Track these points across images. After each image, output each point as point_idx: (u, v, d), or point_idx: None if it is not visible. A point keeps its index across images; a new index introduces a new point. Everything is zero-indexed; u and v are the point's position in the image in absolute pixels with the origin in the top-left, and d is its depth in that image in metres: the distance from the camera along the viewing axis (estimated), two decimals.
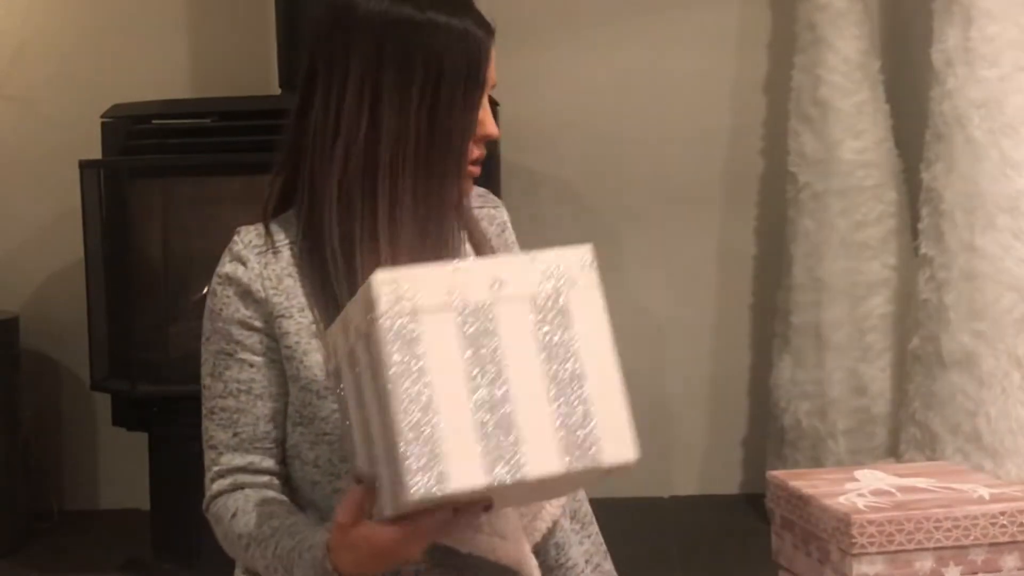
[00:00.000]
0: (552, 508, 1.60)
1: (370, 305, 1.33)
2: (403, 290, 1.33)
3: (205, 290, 1.64)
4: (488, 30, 1.57)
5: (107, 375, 3.50)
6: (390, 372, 1.31)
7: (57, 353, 4.08)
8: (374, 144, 1.55)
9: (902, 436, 3.28)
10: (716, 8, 4.01)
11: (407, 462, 1.30)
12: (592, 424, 1.36)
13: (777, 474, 2.48)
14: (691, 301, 4.07)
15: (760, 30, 4.02)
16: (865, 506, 2.23)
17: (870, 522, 2.18)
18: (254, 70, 3.94)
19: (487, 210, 1.71)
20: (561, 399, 1.35)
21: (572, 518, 1.68)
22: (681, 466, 4.08)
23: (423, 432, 1.30)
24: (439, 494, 1.30)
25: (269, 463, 1.60)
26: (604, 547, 1.72)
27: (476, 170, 1.60)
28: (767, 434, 3.88)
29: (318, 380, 1.55)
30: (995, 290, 3.08)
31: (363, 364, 1.36)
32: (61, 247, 3.97)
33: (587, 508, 1.71)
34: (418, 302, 1.33)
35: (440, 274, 1.35)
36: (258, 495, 1.57)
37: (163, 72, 3.99)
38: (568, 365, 1.36)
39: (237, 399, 1.58)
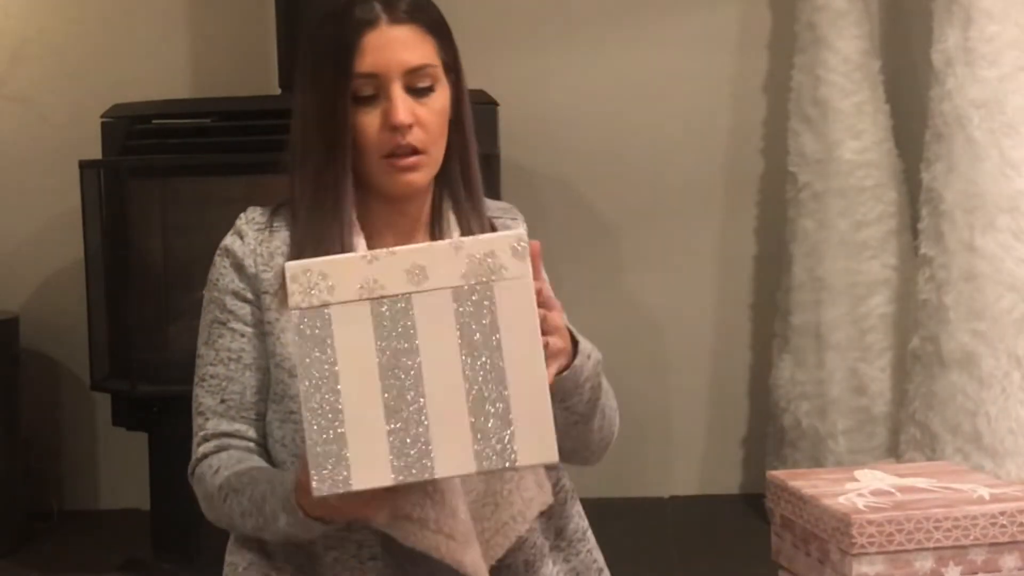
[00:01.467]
0: (517, 525, 1.58)
1: (285, 295, 1.31)
2: (314, 282, 1.29)
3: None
4: (374, 12, 1.57)
5: (107, 375, 3.50)
6: (300, 369, 1.29)
7: (57, 353, 4.08)
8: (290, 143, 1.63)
9: (902, 436, 3.28)
10: (716, 8, 4.01)
11: (312, 458, 1.29)
12: (509, 423, 1.30)
13: (777, 474, 2.48)
14: (691, 301, 4.07)
15: (760, 30, 4.02)
16: (865, 506, 2.23)
17: (870, 522, 2.18)
18: (254, 70, 3.94)
19: (504, 221, 1.71)
20: (479, 397, 1.30)
21: (558, 535, 1.67)
22: (681, 466, 4.08)
23: (330, 428, 1.28)
24: (341, 492, 1.29)
25: (254, 434, 1.63)
26: (600, 564, 1.71)
27: (400, 162, 1.58)
28: (767, 434, 3.88)
29: (290, 359, 1.57)
30: (995, 290, 3.08)
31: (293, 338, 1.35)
32: (61, 247, 3.97)
33: (577, 524, 1.69)
34: (331, 294, 1.30)
35: (354, 264, 1.30)
36: (241, 454, 1.61)
37: (163, 72, 3.99)
38: (490, 360, 1.30)
39: (227, 367, 1.62)
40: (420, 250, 1.32)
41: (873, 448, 3.58)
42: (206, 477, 1.60)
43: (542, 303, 1.39)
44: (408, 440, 1.29)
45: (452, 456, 1.29)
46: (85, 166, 3.47)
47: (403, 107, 1.56)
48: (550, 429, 1.31)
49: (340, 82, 1.56)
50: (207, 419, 1.63)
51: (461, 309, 1.30)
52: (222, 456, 1.61)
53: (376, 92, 1.57)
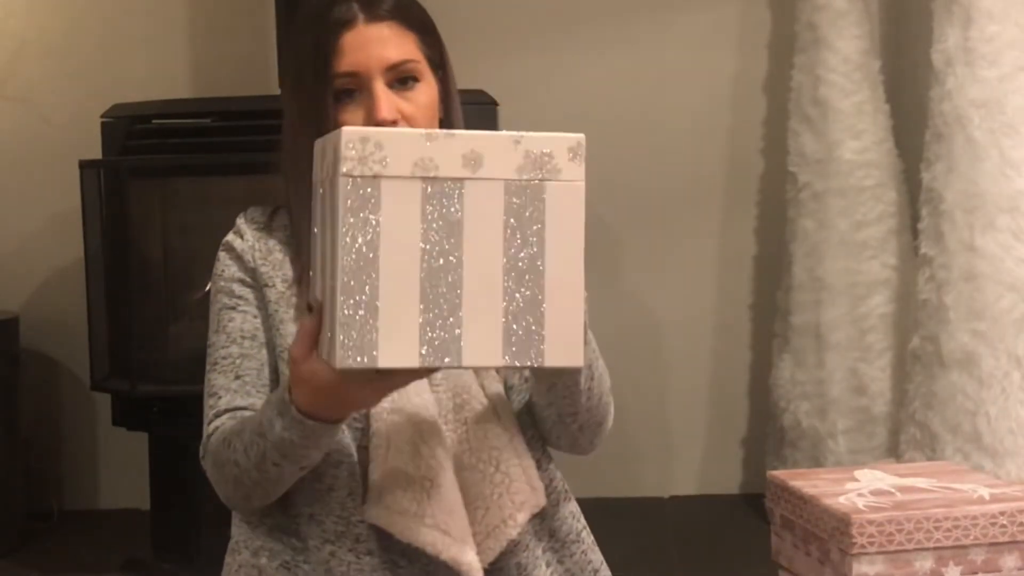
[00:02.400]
0: (508, 529, 1.57)
1: (336, 159, 1.29)
2: (369, 151, 1.27)
3: (207, 288, 1.69)
4: (352, 12, 1.57)
5: (107, 375, 3.50)
6: (342, 235, 1.27)
7: (57, 353, 4.08)
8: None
9: (902, 436, 3.28)
10: (716, 8, 4.01)
11: (341, 327, 1.27)
12: (542, 322, 1.30)
13: (777, 474, 2.48)
14: (691, 301, 4.07)
15: (760, 30, 4.02)
16: (865, 506, 2.23)
17: (870, 522, 2.18)
18: (254, 70, 3.94)
19: None
20: (515, 291, 1.29)
21: (551, 536, 1.66)
22: (681, 466, 4.08)
23: (364, 301, 1.27)
24: (367, 366, 1.27)
25: None
26: (595, 564, 1.69)
27: None
28: (767, 434, 3.88)
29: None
30: (995, 290, 3.08)
31: (327, 208, 1.33)
32: (61, 247, 3.97)
33: (571, 526, 1.68)
34: (384, 167, 1.28)
35: (413, 140, 1.29)
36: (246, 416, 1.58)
37: (163, 72, 3.99)
38: (531, 258, 1.30)
39: (241, 345, 1.61)
40: (480, 137, 1.31)
41: (873, 448, 3.58)
42: (215, 444, 1.58)
43: None
44: (439, 325, 1.28)
45: (481, 347, 1.28)
46: (85, 166, 3.47)
47: (386, 103, 1.56)
48: (580, 334, 1.32)
49: (320, 83, 1.57)
50: (220, 397, 1.61)
51: (511, 203, 1.29)
52: (229, 423, 1.58)
53: (359, 90, 1.58)
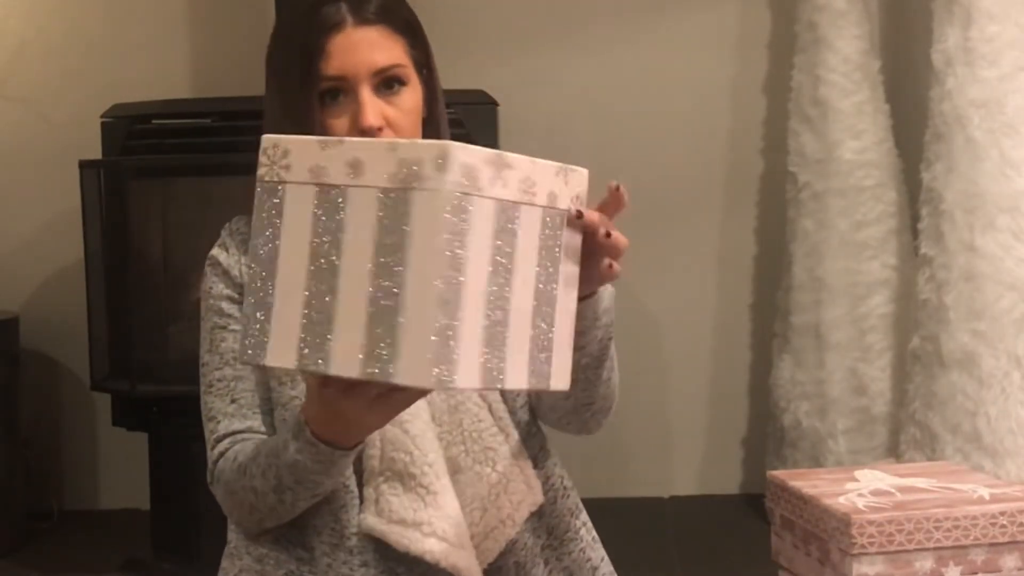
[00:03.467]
0: (506, 529, 1.57)
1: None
2: (278, 156, 1.32)
3: (196, 296, 1.67)
4: (341, 14, 1.55)
5: (107, 375, 3.50)
6: (252, 239, 1.34)
7: (57, 353, 4.08)
8: None
9: (902, 436, 3.28)
10: (716, 8, 4.01)
11: (244, 327, 1.34)
12: (398, 336, 1.24)
13: (777, 474, 2.48)
14: (691, 301, 4.07)
15: (760, 30, 4.02)
16: (865, 506, 2.23)
17: (870, 522, 2.18)
18: (254, 70, 3.93)
19: None
20: (378, 304, 1.25)
21: (549, 534, 1.65)
22: (681, 466, 4.08)
23: (263, 306, 1.32)
24: (255, 363, 1.33)
25: (267, 430, 1.60)
26: (594, 562, 1.68)
27: None
28: (767, 434, 3.88)
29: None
30: (995, 290, 3.08)
31: None
32: (61, 247, 3.97)
33: (569, 523, 1.67)
34: (287, 173, 1.32)
35: (310, 147, 1.31)
36: (258, 440, 1.57)
37: (163, 72, 3.99)
38: (395, 269, 1.26)
39: (234, 367, 1.60)
40: (363, 144, 1.31)
41: (873, 448, 3.58)
42: (226, 470, 1.57)
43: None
44: (316, 331, 1.29)
45: (344, 356, 1.27)
46: (85, 166, 3.47)
47: (372, 110, 1.54)
48: (431, 348, 1.24)
49: (306, 85, 1.55)
50: (219, 422, 1.60)
51: (382, 211, 1.27)
52: (237, 448, 1.58)
53: (345, 93, 1.56)
